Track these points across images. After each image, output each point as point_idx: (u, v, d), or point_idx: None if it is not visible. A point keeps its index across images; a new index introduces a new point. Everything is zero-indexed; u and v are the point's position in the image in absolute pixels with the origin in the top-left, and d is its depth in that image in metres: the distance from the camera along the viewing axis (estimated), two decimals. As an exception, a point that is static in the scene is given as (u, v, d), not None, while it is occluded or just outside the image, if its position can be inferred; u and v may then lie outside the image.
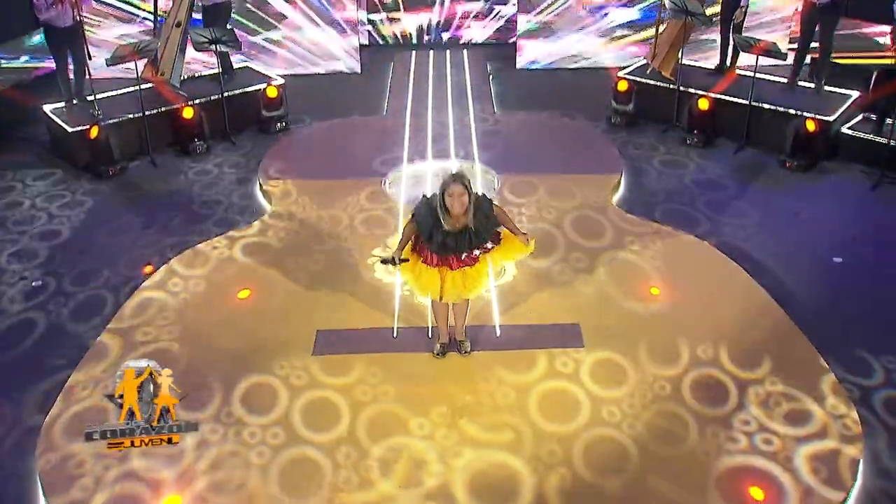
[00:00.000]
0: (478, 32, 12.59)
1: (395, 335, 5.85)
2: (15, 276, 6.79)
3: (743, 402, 5.24)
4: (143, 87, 8.77)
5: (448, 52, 12.18)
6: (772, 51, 8.42)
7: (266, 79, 9.90)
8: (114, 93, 9.19)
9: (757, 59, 8.54)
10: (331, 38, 11.48)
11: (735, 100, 8.99)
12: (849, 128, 8.62)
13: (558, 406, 5.21)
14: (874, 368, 5.65)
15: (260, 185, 8.17)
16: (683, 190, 8.12)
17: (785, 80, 9.33)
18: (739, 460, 4.83)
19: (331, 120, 9.92)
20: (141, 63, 8.77)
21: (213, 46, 8.98)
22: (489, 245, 5.15)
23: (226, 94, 9.29)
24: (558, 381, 5.42)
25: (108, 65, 8.40)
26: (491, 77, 11.28)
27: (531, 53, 11.61)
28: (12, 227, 7.54)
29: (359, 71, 11.68)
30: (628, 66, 10.05)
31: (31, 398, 5.46)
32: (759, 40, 8.67)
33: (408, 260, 5.21)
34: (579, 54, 11.56)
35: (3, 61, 10.62)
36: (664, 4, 9.50)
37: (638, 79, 9.66)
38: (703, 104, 9.01)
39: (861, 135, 8.48)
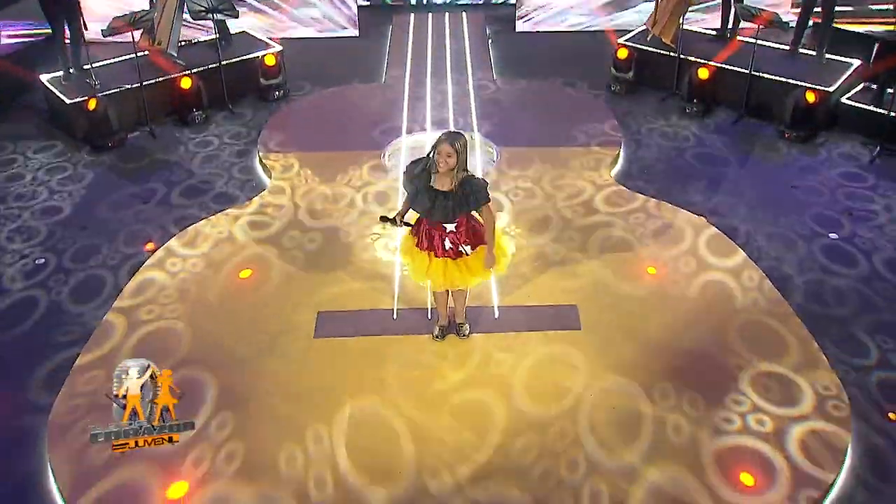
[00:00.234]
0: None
1: (394, 317, 5.94)
2: (16, 254, 6.85)
3: (736, 382, 5.34)
4: (140, 54, 8.72)
5: (447, 14, 12.05)
6: (774, 21, 8.35)
7: (264, 45, 9.83)
8: (111, 60, 9.14)
9: (758, 27, 8.48)
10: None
11: (735, 69, 8.96)
12: (849, 98, 8.60)
13: (553, 387, 5.33)
14: (869, 348, 5.74)
15: (260, 158, 8.17)
16: (682, 164, 8.13)
17: (786, 48, 9.27)
18: (732, 441, 4.95)
19: (330, 88, 9.87)
20: (137, 33, 8.69)
21: (210, 15, 8.89)
22: (468, 249, 5.14)
23: (224, 63, 9.23)
24: (556, 364, 5.53)
25: (104, 35, 8.33)
26: (490, 41, 11.18)
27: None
28: (13, 203, 7.57)
29: (357, 34, 11.57)
30: (628, 33, 9.98)
31: (35, 379, 5.56)
32: (761, 10, 8.58)
33: (411, 225, 5.26)
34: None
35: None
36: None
37: (638, 46, 9.60)
38: (703, 73, 8.97)
39: (861, 105, 8.47)
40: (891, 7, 9.45)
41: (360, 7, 11.71)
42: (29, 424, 5.19)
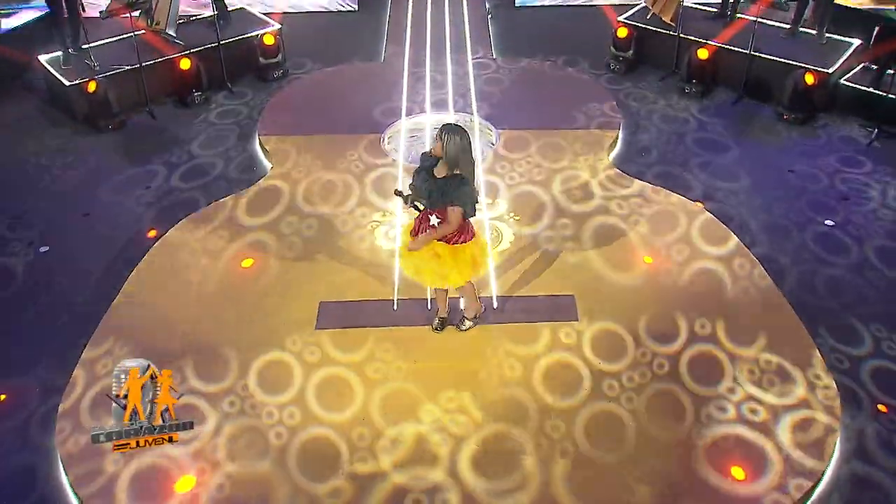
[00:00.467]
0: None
1: (395, 307, 6.03)
2: (18, 242, 6.91)
3: (730, 371, 5.45)
4: (138, 33, 8.69)
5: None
6: (775, 3, 8.30)
7: (262, 23, 9.79)
8: (109, 40, 9.09)
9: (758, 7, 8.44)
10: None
11: (735, 49, 8.93)
12: (848, 79, 8.59)
13: (550, 378, 5.44)
14: (864, 337, 5.83)
15: (260, 142, 8.19)
16: (680, 147, 8.15)
17: (787, 26, 9.23)
18: (725, 430, 5.07)
19: (329, 67, 9.83)
20: (135, 13, 8.65)
21: (207, -8, 8.86)
22: (435, 220, 5.19)
23: (222, 43, 9.20)
24: (556, 354, 5.64)
25: (102, 18, 8.30)
26: (490, 17, 11.10)
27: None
28: (20, 188, 7.61)
29: (356, 7, 11.49)
30: (629, 10, 9.92)
31: (42, 370, 5.65)
32: (762, -10, 8.56)
33: (419, 209, 5.32)
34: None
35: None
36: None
37: (638, 24, 9.56)
38: (703, 54, 8.93)
39: (860, 87, 8.46)
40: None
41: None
42: (37, 417, 5.32)
